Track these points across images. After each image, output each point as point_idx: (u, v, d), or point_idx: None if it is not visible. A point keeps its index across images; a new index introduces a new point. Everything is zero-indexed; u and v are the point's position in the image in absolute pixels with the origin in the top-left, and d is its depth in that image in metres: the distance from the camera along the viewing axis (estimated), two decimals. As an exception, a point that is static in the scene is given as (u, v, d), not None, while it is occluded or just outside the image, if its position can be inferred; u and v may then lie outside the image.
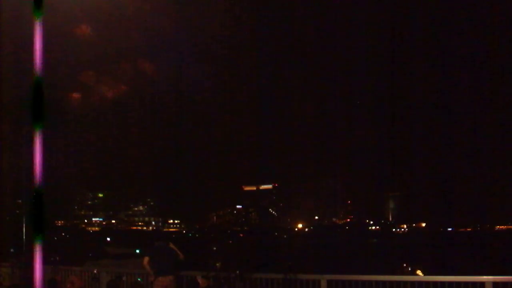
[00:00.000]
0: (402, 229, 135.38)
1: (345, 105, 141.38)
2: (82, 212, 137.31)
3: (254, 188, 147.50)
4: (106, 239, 78.48)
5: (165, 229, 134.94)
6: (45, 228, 3.82)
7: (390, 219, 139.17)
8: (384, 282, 11.77)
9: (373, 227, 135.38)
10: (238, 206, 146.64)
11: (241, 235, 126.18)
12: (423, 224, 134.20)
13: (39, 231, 3.73)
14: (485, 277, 11.04)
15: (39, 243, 3.71)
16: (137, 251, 39.71)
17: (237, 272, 12.08)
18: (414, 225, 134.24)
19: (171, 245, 12.38)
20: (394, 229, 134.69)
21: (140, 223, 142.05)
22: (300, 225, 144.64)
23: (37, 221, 3.70)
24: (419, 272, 11.40)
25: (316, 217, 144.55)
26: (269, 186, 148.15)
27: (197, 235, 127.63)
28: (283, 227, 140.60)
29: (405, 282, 11.65)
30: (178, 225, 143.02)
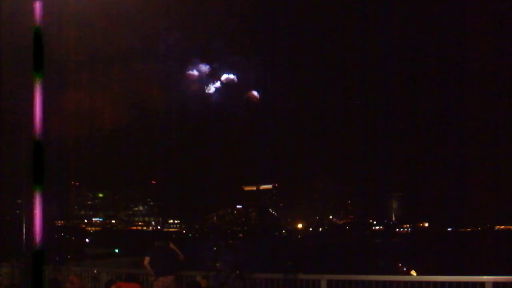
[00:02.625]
0: (405, 229, 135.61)
1: (347, 105, 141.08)
2: (82, 212, 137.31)
3: (254, 188, 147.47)
4: (85, 240, 78.09)
5: (165, 229, 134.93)
6: (45, 229, 3.82)
7: (393, 219, 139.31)
8: (384, 282, 11.77)
9: (377, 227, 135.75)
10: (238, 206, 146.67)
11: (241, 235, 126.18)
12: (426, 224, 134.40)
13: (40, 181, 3.72)
14: (485, 277, 11.04)
15: (39, 192, 3.71)
16: (116, 250, 39.95)
17: (237, 272, 12.08)
18: (420, 225, 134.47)
19: (171, 245, 12.40)
20: (397, 229, 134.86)
21: (140, 223, 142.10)
22: (300, 225, 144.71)
23: (38, 172, 3.68)
24: (413, 272, 11.38)
25: (317, 217, 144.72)
26: (269, 186, 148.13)
27: (197, 235, 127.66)
28: (297, 227, 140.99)
29: (405, 282, 11.64)
30: (178, 225, 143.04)
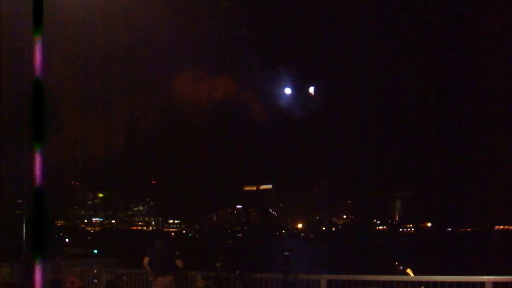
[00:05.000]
0: (409, 229, 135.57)
1: (350, 104, 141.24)
2: (82, 212, 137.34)
3: (254, 188, 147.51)
4: (64, 239, 77.98)
5: (165, 229, 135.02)
6: (46, 229, 3.80)
7: (397, 219, 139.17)
8: (384, 282, 11.76)
9: (380, 227, 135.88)
10: (238, 206, 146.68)
11: (240, 235, 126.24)
12: (429, 224, 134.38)
13: (40, 248, 3.67)
14: (485, 277, 11.04)
15: (39, 261, 3.65)
16: (95, 251, 40.14)
17: (237, 272, 12.08)
18: (423, 225, 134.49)
19: (176, 252, 12.36)
20: (400, 229, 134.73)
21: (140, 223, 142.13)
22: (300, 225, 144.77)
23: (37, 240, 3.63)
24: (409, 270, 11.38)
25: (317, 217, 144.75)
26: (269, 186, 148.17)
27: (197, 235, 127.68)
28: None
29: (405, 282, 11.64)
30: (178, 225, 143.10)
